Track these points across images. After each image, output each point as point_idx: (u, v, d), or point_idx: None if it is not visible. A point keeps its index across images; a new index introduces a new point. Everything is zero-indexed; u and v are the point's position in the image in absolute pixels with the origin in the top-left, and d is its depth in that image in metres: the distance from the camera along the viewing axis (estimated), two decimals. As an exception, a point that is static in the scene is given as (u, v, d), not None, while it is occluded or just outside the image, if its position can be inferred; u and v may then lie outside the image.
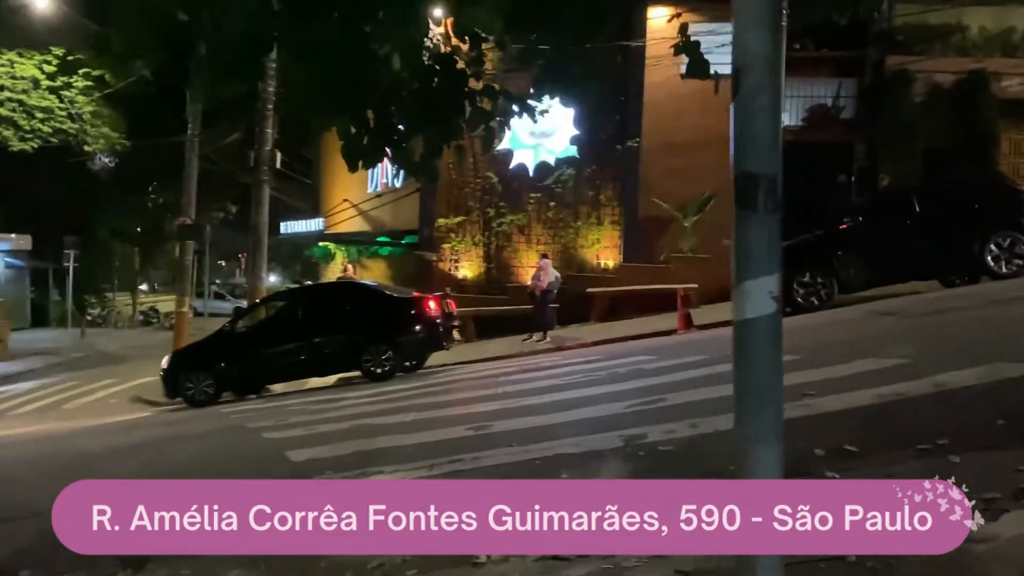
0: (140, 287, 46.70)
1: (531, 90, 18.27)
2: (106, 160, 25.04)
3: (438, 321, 12.49)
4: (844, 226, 12.71)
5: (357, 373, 12.94)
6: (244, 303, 18.03)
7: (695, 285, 15.85)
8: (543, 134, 18.21)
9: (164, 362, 13.38)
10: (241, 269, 53.51)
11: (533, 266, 17.73)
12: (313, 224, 21.32)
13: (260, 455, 7.01)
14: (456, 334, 13.08)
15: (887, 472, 3.76)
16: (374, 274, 21.20)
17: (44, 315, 35.27)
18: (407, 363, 12.99)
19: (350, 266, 19.45)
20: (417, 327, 12.44)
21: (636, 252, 17.78)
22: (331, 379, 14.14)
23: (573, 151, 18.25)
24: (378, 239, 21.05)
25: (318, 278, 24.32)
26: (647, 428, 5.41)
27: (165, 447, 8.30)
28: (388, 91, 3.94)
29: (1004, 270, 11.88)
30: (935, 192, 12.85)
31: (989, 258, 11.96)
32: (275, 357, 12.85)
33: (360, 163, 4.15)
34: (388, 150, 4.22)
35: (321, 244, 22.62)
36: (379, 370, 12.28)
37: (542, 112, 17.34)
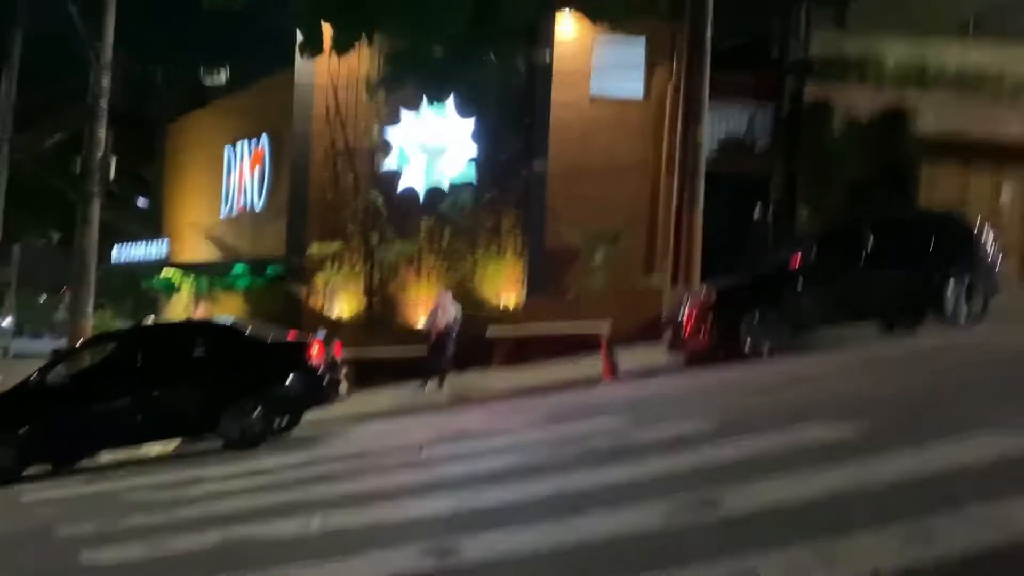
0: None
1: (422, 99, 16.18)
2: None
3: (321, 370, 9.86)
4: (795, 261, 11.20)
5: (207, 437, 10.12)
6: (65, 343, 14.62)
7: (605, 327, 13.98)
8: (437, 151, 15.98)
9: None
10: (64, 305, 47.56)
11: (424, 302, 15.43)
12: (154, 248, 17.98)
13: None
14: (344, 387, 10.46)
15: None
16: (230, 310, 18.07)
17: None
18: (279, 423, 10.32)
19: (202, 305, 16.36)
20: (296, 377, 9.76)
21: (541, 288, 15.77)
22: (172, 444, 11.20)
23: (471, 173, 16.10)
24: (236, 269, 17.96)
25: (159, 317, 20.77)
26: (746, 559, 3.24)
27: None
28: None
29: (962, 315, 10.78)
30: (889, 227, 11.65)
31: (949, 301, 10.81)
32: (103, 417, 9.72)
33: None
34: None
35: (165, 274, 19.18)
36: (246, 435, 9.49)
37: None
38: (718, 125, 15.74)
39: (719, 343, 11.08)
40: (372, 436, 9.08)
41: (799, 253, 11.25)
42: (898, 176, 15.38)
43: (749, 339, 10.81)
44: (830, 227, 12.37)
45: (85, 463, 10.83)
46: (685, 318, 11.36)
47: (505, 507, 4.78)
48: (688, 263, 13.68)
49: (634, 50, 15.68)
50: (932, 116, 15.52)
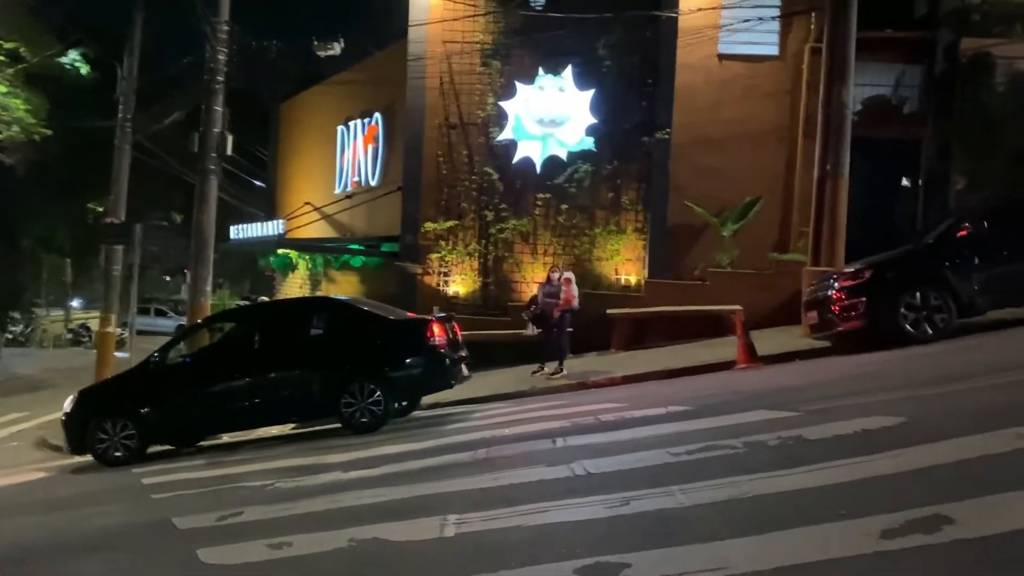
0: (72, 303, 42.43)
1: (538, 68, 15.47)
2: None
3: (443, 351, 9.35)
4: (962, 233, 9.95)
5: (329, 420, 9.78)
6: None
7: (739, 307, 12.98)
8: (553, 122, 15.23)
9: (67, 403, 9.95)
10: (186, 284, 49.45)
11: (541, 281, 14.75)
12: (271, 227, 18.00)
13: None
14: (464, 369, 9.92)
15: None
16: (344, 290, 17.91)
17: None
18: (399, 405, 9.92)
19: (317, 284, 16.22)
20: (417, 359, 9.30)
21: (664, 266, 14.89)
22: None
23: (589, 144, 15.26)
24: (351, 247, 17.74)
25: (273, 295, 20.91)
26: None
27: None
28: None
29: None
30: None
31: None
32: (222, 398, 9.54)
33: None
34: None
35: (281, 251, 19.18)
36: (365, 418, 9.09)
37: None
38: (860, 85, 14.37)
39: (872, 325, 10.00)
40: (496, 423, 8.47)
41: (966, 226, 9.99)
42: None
43: (908, 321, 9.71)
44: (1003, 196, 10.96)
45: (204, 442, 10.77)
46: (834, 297, 10.31)
47: (671, 516, 4.06)
48: (831, 238, 12.50)
49: (766, 3, 14.46)
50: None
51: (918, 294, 9.70)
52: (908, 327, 9.69)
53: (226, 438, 11.00)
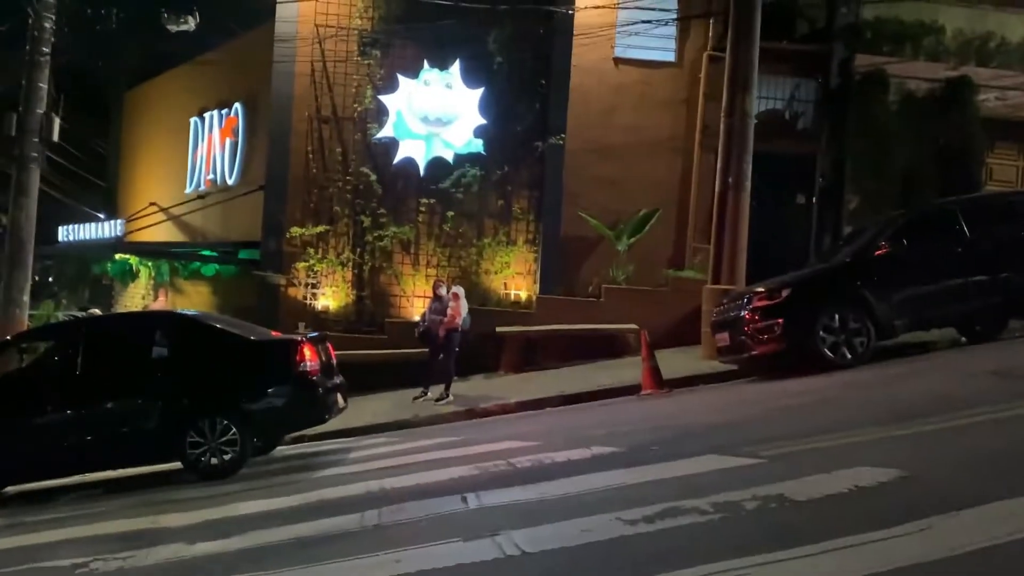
0: None
1: (423, 61, 14.16)
2: None
3: (315, 378, 7.81)
4: (881, 251, 9.39)
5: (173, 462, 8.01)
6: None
7: (635, 325, 12.17)
8: (439, 121, 13.91)
9: None
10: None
11: (423, 296, 13.47)
12: (108, 228, 15.66)
13: None
14: (340, 398, 8.40)
15: None
16: (194, 302, 15.83)
17: None
18: (257, 443, 8.27)
19: (163, 293, 14.10)
20: (283, 388, 7.72)
21: (557, 281, 13.85)
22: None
23: (478, 146, 14.02)
24: (203, 253, 15.69)
25: (112, 307, 18.44)
26: None
27: None
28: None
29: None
30: (987, 210, 9.95)
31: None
32: (32, 437, 7.67)
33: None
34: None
35: (119, 256, 16.82)
36: (215, 460, 7.44)
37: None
38: (758, 96, 13.93)
39: (790, 349, 9.29)
40: (382, 467, 7.03)
41: (884, 243, 9.44)
42: (957, 161, 13.67)
43: (826, 345, 9.05)
44: (916, 210, 10.57)
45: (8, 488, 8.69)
46: (748, 318, 9.52)
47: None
48: (732, 255, 11.85)
49: (664, 6, 13.80)
50: (991, 95, 13.87)
51: (837, 316, 9.08)
52: (827, 351, 9.05)
53: (44, 483, 8.96)
